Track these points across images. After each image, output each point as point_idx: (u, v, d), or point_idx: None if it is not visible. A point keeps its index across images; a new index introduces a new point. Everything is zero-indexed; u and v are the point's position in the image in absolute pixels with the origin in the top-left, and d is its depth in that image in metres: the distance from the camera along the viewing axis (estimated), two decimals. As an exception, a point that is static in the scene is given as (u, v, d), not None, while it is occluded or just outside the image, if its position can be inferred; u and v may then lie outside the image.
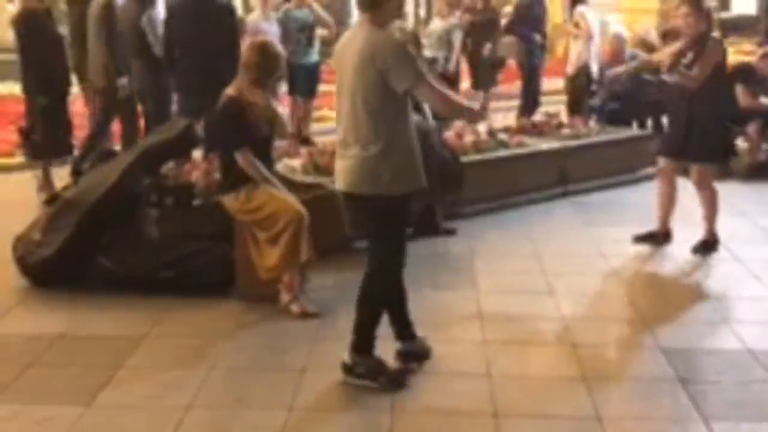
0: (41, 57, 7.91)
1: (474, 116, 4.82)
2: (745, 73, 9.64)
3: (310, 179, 6.42)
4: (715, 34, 6.61)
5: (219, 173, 5.64)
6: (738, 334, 5.09)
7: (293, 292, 5.33)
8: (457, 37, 10.98)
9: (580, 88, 10.24)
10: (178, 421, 4.06)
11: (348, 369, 4.41)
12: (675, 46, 6.50)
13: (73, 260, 5.73)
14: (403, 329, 4.60)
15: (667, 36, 10.47)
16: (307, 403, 4.26)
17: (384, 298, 4.47)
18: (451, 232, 6.99)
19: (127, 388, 4.44)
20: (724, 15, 28.74)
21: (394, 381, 4.41)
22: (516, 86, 12.44)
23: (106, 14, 8.37)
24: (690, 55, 6.30)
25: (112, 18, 8.41)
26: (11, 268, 5.93)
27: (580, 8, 10.25)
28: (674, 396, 4.33)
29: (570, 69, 10.48)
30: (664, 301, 5.73)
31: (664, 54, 6.65)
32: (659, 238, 6.68)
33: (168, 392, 4.36)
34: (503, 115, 11.46)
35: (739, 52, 18.57)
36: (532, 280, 6.02)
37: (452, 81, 10.28)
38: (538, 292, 5.77)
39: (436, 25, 11.36)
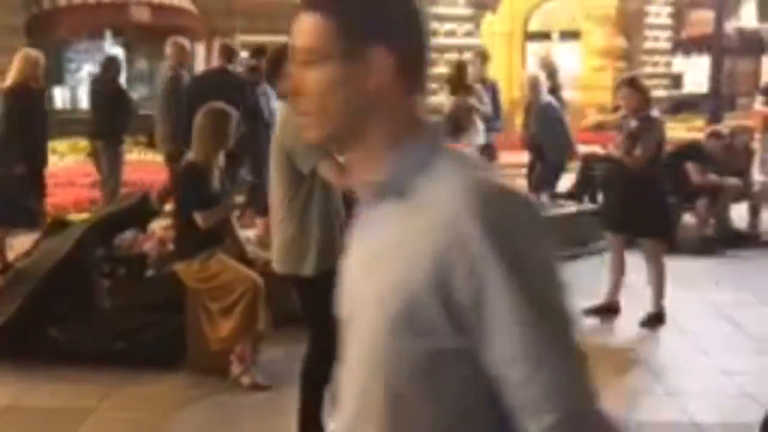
0: (30, 130, 8.11)
1: None
2: (693, 150, 9.93)
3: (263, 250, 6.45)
4: (655, 112, 6.85)
5: (173, 242, 5.67)
6: (683, 406, 5.16)
7: (245, 364, 5.33)
8: None
9: None
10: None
11: None
12: (623, 131, 6.73)
13: (24, 331, 5.68)
14: None
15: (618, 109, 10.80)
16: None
17: (325, 378, 4.43)
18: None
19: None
20: (675, 93, 29.62)
21: None
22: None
23: (174, 87, 9.31)
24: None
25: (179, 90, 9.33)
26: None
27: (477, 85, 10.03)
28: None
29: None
30: (611, 373, 5.75)
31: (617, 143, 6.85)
32: (607, 311, 6.80)
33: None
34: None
35: (690, 129, 19.09)
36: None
37: None
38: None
39: None
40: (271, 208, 4.28)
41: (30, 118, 8.13)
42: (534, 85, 9.97)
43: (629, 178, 6.66)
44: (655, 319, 6.65)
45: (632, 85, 6.71)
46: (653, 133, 6.58)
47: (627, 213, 6.67)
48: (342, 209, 4.37)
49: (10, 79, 8.21)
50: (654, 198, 6.70)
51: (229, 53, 9.33)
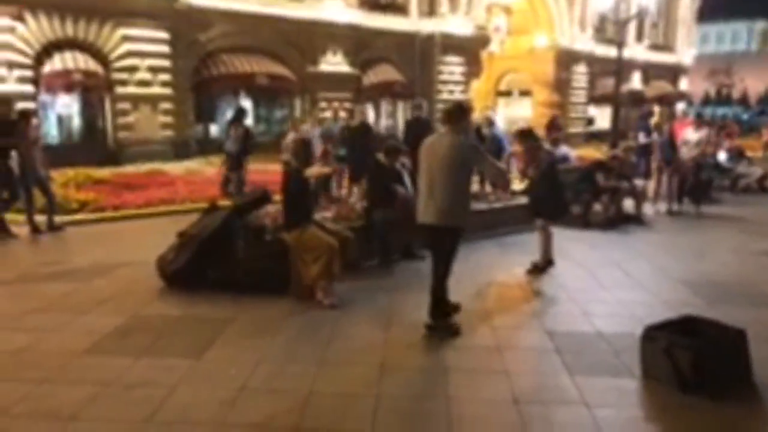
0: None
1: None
2: (600, 165, 9.78)
3: (335, 224, 6.44)
4: (546, 145, 7.02)
5: (282, 219, 5.69)
6: (592, 322, 5.09)
7: (325, 292, 5.37)
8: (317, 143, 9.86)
9: None
10: (254, 368, 4.08)
11: (430, 328, 4.69)
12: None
13: (192, 271, 5.77)
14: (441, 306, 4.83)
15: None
16: (332, 357, 4.28)
17: (445, 279, 4.73)
18: (422, 258, 6.96)
19: (223, 348, 4.45)
20: (590, 128, 28.92)
21: (456, 332, 4.66)
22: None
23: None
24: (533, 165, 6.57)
25: None
26: (155, 275, 5.99)
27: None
28: (551, 359, 4.36)
29: None
30: (547, 301, 5.70)
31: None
32: (545, 265, 6.62)
33: (249, 352, 4.36)
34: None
35: (598, 151, 18.73)
36: (467, 285, 5.94)
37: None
38: (469, 294, 5.74)
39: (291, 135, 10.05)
40: (432, 187, 4.51)
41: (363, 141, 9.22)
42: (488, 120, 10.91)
43: (536, 186, 6.58)
44: (541, 269, 6.46)
45: (526, 133, 6.63)
46: (543, 158, 6.50)
47: (534, 205, 6.59)
48: None
49: (355, 120, 9.73)
50: (549, 196, 6.49)
51: (419, 108, 9.55)
